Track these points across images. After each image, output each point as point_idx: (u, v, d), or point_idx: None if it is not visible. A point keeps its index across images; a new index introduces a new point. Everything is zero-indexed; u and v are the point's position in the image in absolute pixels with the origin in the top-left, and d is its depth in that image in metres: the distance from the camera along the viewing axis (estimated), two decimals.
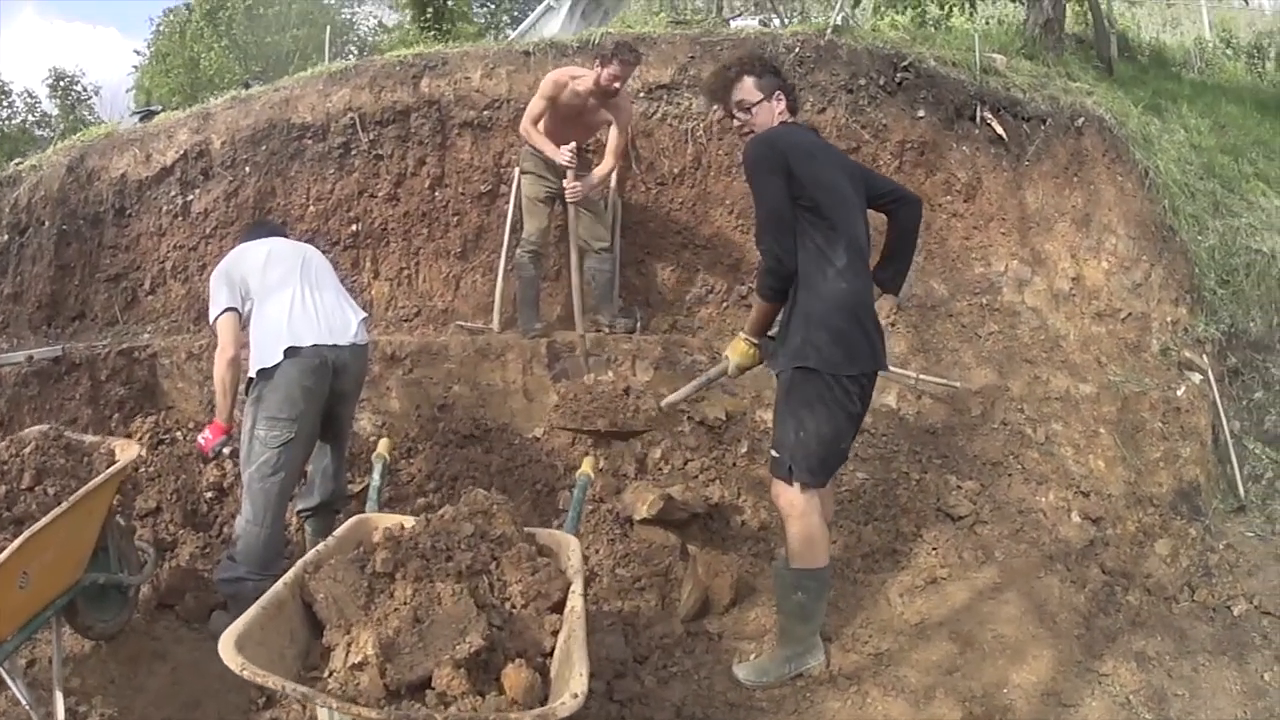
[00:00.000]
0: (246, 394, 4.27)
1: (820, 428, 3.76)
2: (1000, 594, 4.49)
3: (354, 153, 7.01)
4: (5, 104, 27.45)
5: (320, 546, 3.06)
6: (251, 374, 4.21)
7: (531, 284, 6.37)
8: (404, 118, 7.04)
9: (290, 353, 4.15)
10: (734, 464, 5.43)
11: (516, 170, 6.62)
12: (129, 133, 7.35)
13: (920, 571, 4.73)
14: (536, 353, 6.04)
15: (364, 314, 4.66)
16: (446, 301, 6.97)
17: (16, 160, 7.73)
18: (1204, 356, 6.01)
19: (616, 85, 5.95)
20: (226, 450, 4.52)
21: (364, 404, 5.63)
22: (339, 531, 3.26)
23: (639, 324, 6.47)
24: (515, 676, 2.51)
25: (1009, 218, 6.94)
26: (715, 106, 4.42)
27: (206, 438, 4.42)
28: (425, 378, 5.94)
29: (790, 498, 3.83)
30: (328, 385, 4.30)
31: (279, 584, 2.76)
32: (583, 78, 6.08)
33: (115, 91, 32.71)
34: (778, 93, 4.01)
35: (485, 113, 7.06)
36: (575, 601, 2.84)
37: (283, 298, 4.35)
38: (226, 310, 4.37)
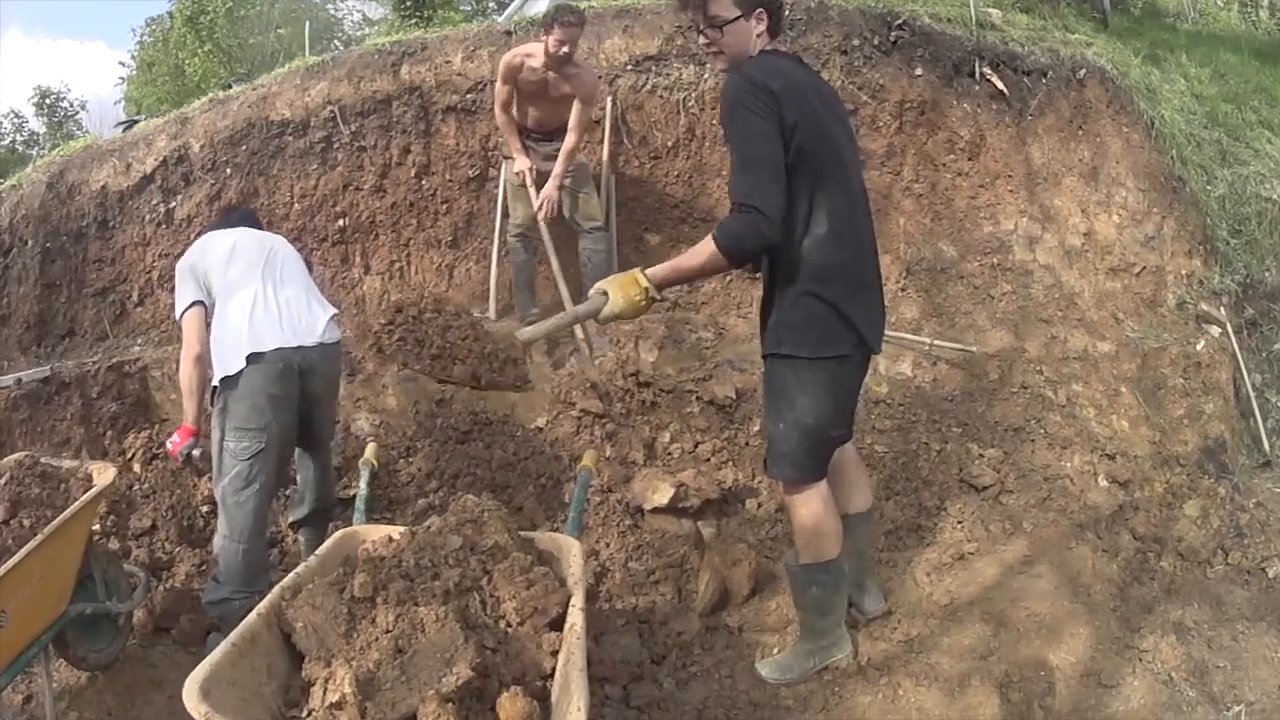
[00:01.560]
0: (212, 404, 4.05)
1: (801, 418, 3.41)
2: (1031, 567, 4.28)
3: (336, 146, 6.84)
4: None
5: (300, 568, 2.85)
6: (215, 382, 3.98)
7: (525, 268, 6.24)
8: (385, 107, 6.86)
9: (253, 359, 3.87)
10: (746, 444, 5.19)
11: (502, 155, 6.47)
12: (108, 144, 7.20)
13: (947, 548, 4.51)
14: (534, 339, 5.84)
15: (334, 310, 4.34)
16: (441, 292, 6.78)
17: None
18: (1221, 309, 5.84)
19: (565, 49, 5.73)
20: (196, 453, 4.24)
21: (360, 403, 5.47)
22: (322, 549, 3.05)
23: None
24: (511, 706, 2.29)
25: (1015, 174, 6.76)
26: (687, 14, 3.57)
27: (175, 441, 4.22)
28: (421, 373, 5.75)
29: (788, 491, 3.58)
30: (296, 390, 4.01)
31: (252, 615, 2.56)
32: (535, 54, 5.91)
33: (104, 104, 32.71)
34: (760, 10, 3.34)
35: (469, 96, 6.89)
36: (575, 618, 2.60)
37: (244, 297, 4.08)
38: (191, 305, 4.15)
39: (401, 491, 5.06)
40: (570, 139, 6.07)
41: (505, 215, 6.51)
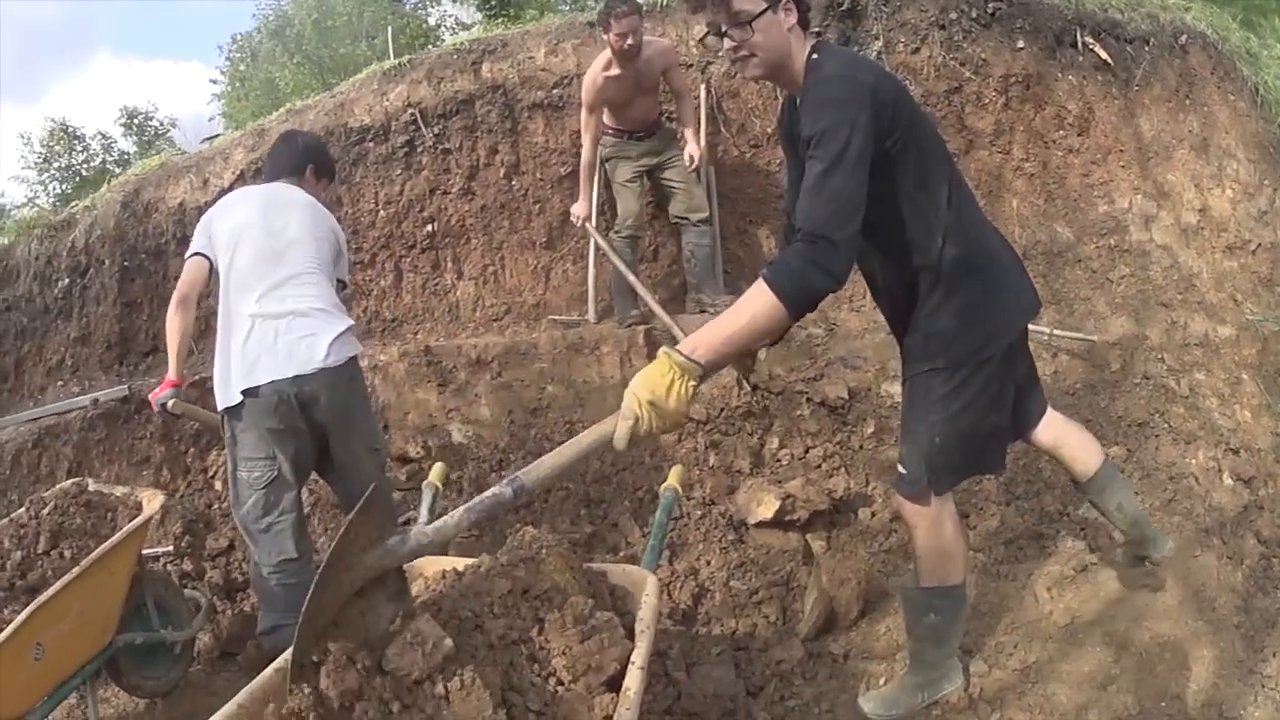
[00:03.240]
0: (222, 431, 3.90)
1: (958, 424, 3.07)
2: (1154, 579, 3.98)
3: (420, 149, 6.74)
4: (80, 148, 27.87)
5: None
6: (220, 409, 3.83)
7: (627, 269, 6.07)
8: (468, 107, 6.75)
9: (248, 393, 3.69)
10: (860, 447, 4.99)
11: (603, 156, 6.33)
12: (184, 160, 7.24)
13: (1068, 558, 4.20)
14: (634, 342, 5.74)
15: (345, 323, 3.89)
16: (537, 295, 6.70)
17: (71, 203, 7.67)
18: None
19: (630, 41, 5.56)
20: (171, 404, 4.09)
21: (453, 414, 5.40)
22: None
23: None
24: None
25: (1127, 149, 6.48)
26: (707, 14, 2.93)
27: (155, 392, 4.12)
28: (516, 380, 5.69)
29: (916, 508, 3.19)
30: (299, 421, 3.76)
31: (269, 670, 2.26)
32: (608, 62, 5.77)
33: (199, 122, 33.18)
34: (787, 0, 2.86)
35: (555, 91, 6.75)
36: (632, 680, 2.20)
37: (242, 318, 3.80)
38: (195, 255, 4.03)
39: None
40: (683, 104, 6.11)
41: (601, 212, 6.40)
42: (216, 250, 3.97)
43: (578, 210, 6.13)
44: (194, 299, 4.02)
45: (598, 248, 6.27)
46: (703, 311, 5.98)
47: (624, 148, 6.10)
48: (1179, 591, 3.90)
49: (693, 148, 6.08)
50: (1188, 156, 6.40)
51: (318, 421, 3.79)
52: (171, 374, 4.07)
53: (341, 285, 4.18)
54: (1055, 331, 5.55)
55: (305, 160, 4.34)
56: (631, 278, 5.77)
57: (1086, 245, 6.24)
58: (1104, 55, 6.65)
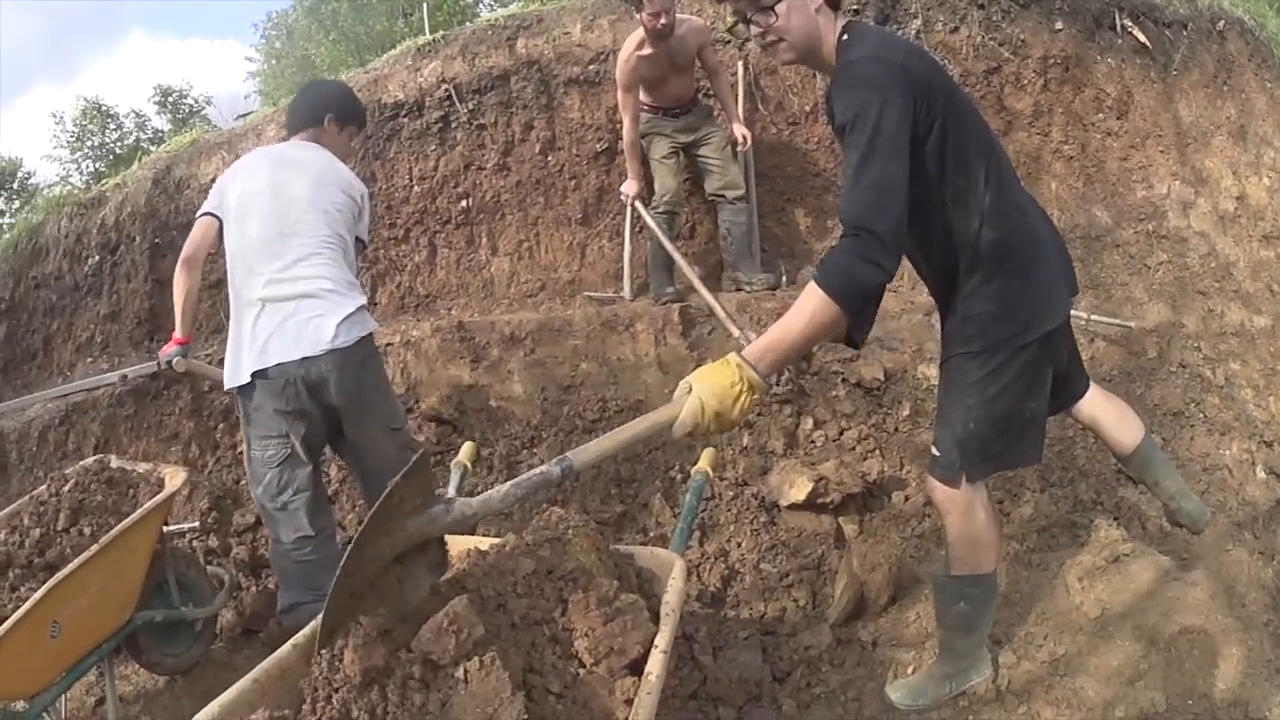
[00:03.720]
0: (237, 409, 3.90)
1: (992, 410, 3.01)
2: (1186, 573, 3.92)
3: (454, 125, 6.70)
4: (113, 126, 27.81)
5: None
6: (230, 388, 3.79)
7: (662, 246, 6.04)
8: (503, 83, 6.69)
9: (258, 375, 3.64)
10: (895, 430, 4.95)
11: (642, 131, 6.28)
12: (216, 137, 7.19)
13: (1101, 548, 4.14)
14: (669, 320, 5.69)
15: (356, 301, 3.77)
16: (573, 272, 6.65)
17: (102, 181, 7.66)
18: None
19: (664, 22, 5.52)
20: (175, 362, 4.09)
21: (486, 389, 5.38)
22: None
23: (783, 279, 6.07)
24: None
25: (1165, 134, 6.44)
26: (729, 2, 2.92)
27: (163, 349, 4.13)
28: (549, 357, 5.65)
29: (948, 492, 3.12)
30: (308, 404, 3.68)
31: (286, 645, 2.24)
32: (641, 41, 5.73)
33: (234, 99, 33.05)
34: None
35: (591, 68, 6.69)
36: (655, 664, 2.16)
37: (250, 296, 3.74)
38: (205, 215, 3.96)
39: None
40: (718, 82, 6.11)
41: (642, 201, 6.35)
42: (226, 216, 3.91)
43: (627, 189, 6.12)
44: (200, 258, 3.95)
45: (634, 224, 6.25)
46: (739, 290, 5.98)
47: (659, 124, 6.07)
48: (1210, 586, 3.84)
49: (738, 128, 6.08)
50: (1225, 143, 6.36)
51: (328, 403, 3.71)
52: (178, 332, 4.05)
53: (361, 245, 4.11)
54: (1092, 317, 5.51)
55: (323, 109, 4.16)
56: (677, 256, 5.75)
57: (1125, 230, 6.20)
58: (1142, 38, 6.61)
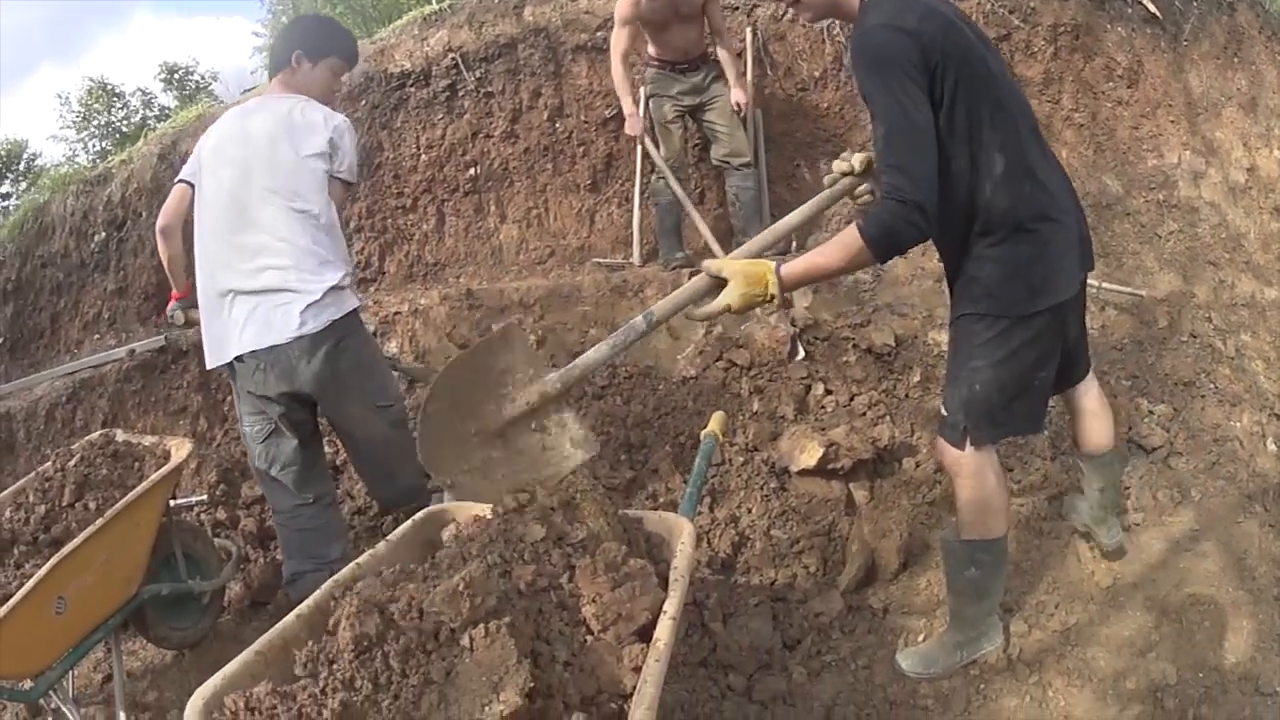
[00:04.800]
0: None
1: (999, 374, 3.04)
2: (1198, 544, 3.94)
3: (461, 94, 6.69)
4: (119, 105, 27.54)
5: (364, 557, 2.43)
6: (211, 367, 3.73)
7: (670, 211, 6.04)
8: (510, 51, 6.67)
9: (236, 359, 3.56)
10: (906, 396, 4.93)
11: (642, 91, 6.23)
12: (222, 111, 7.10)
13: None
14: (678, 285, 5.65)
15: (325, 282, 3.55)
16: (581, 238, 6.67)
17: (108, 159, 7.63)
18: None
19: None
20: (176, 315, 4.08)
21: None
22: (396, 533, 2.59)
23: (793, 244, 5.98)
24: None
25: (1175, 104, 6.40)
26: None
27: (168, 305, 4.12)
28: (558, 323, 5.65)
29: (957, 455, 3.16)
30: (284, 388, 3.57)
31: (290, 616, 2.17)
32: None
33: (241, 75, 32.70)
34: None
35: (599, 34, 6.66)
36: (663, 630, 2.13)
37: (218, 286, 3.62)
38: (180, 182, 3.85)
39: None
40: (722, 43, 6.00)
41: (646, 155, 6.27)
42: (200, 187, 3.75)
43: (631, 129, 6.01)
44: (176, 227, 3.86)
45: (643, 190, 6.23)
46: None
47: (665, 83, 5.99)
48: (1220, 558, 3.87)
49: (736, 93, 5.99)
50: (1236, 115, 6.33)
51: (300, 392, 3.62)
52: (175, 289, 4.04)
53: (347, 186, 3.80)
54: (1104, 285, 5.47)
55: (288, 48, 3.85)
56: (689, 205, 5.75)
57: (1135, 199, 6.17)
58: (1152, 8, 6.56)
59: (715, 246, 5.47)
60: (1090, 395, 3.58)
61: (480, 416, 3.17)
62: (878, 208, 2.78)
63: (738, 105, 5.96)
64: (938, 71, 2.75)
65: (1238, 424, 4.76)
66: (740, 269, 2.94)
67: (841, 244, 2.82)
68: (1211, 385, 4.99)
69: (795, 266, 2.91)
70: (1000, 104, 2.90)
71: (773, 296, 2.91)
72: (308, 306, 3.48)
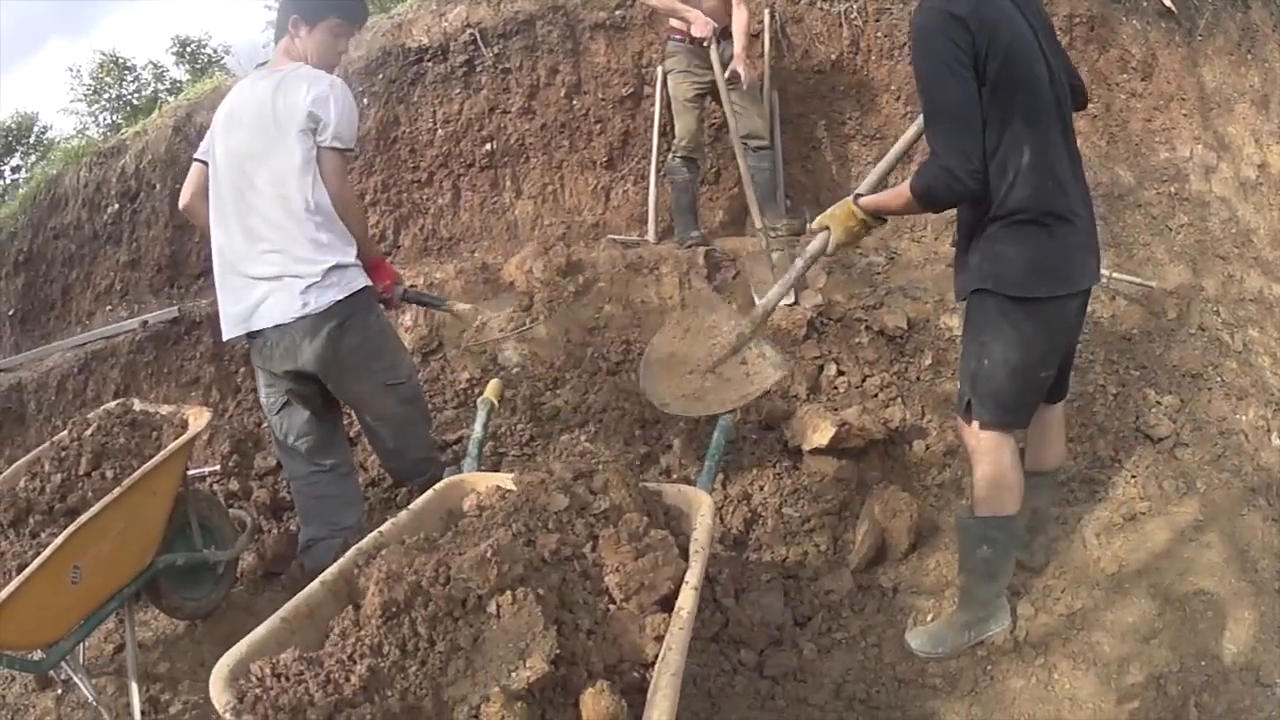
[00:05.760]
0: None
1: (1008, 354, 3.15)
2: (1202, 535, 4.00)
3: (479, 69, 6.67)
4: (130, 78, 27.33)
5: (387, 525, 2.45)
6: (225, 340, 3.86)
7: (686, 189, 6.03)
8: (529, 27, 6.67)
9: (248, 335, 3.69)
10: (917, 378, 4.98)
11: (660, 69, 6.24)
12: (233, 85, 7.12)
13: (1119, 505, 4.25)
14: (694, 263, 5.70)
15: (325, 262, 3.60)
16: (597, 215, 6.68)
17: (121, 131, 7.60)
18: None
19: None
20: None
21: (506, 332, 5.40)
22: (417, 503, 2.64)
23: (807, 226, 5.96)
24: (594, 705, 1.91)
25: (1189, 98, 6.40)
26: None
27: None
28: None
29: (973, 430, 3.30)
30: (289, 366, 3.67)
31: (315, 582, 2.20)
32: None
33: (254, 48, 32.37)
34: None
35: (617, 12, 6.66)
36: (686, 599, 2.17)
37: (229, 265, 3.72)
38: (195, 161, 3.93)
39: (545, 427, 4.97)
40: (738, 14, 5.82)
41: (663, 133, 6.28)
42: (212, 164, 3.80)
43: (700, 30, 5.68)
44: (196, 204, 3.90)
45: (659, 168, 6.24)
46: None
47: (687, 58, 5.90)
48: (1224, 549, 3.92)
49: (738, 66, 5.74)
50: (1248, 111, 6.33)
51: (304, 372, 3.71)
52: None
53: (342, 154, 3.71)
54: (1114, 274, 5.49)
55: (286, 14, 3.79)
56: (736, 138, 5.74)
57: (1147, 190, 6.18)
58: (1167, 3, 6.55)
59: (755, 210, 5.59)
60: (1058, 412, 3.72)
61: (691, 360, 4.22)
62: (925, 165, 3.04)
63: (736, 75, 5.74)
64: (982, 55, 2.91)
65: (1243, 418, 4.80)
66: (831, 212, 3.48)
67: (900, 193, 3.18)
68: (1218, 378, 5.02)
69: (869, 200, 3.37)
70: (1036, 106, 3.03)
71: (864, 221, 3.38)
72: (309, 287, 3.56)
